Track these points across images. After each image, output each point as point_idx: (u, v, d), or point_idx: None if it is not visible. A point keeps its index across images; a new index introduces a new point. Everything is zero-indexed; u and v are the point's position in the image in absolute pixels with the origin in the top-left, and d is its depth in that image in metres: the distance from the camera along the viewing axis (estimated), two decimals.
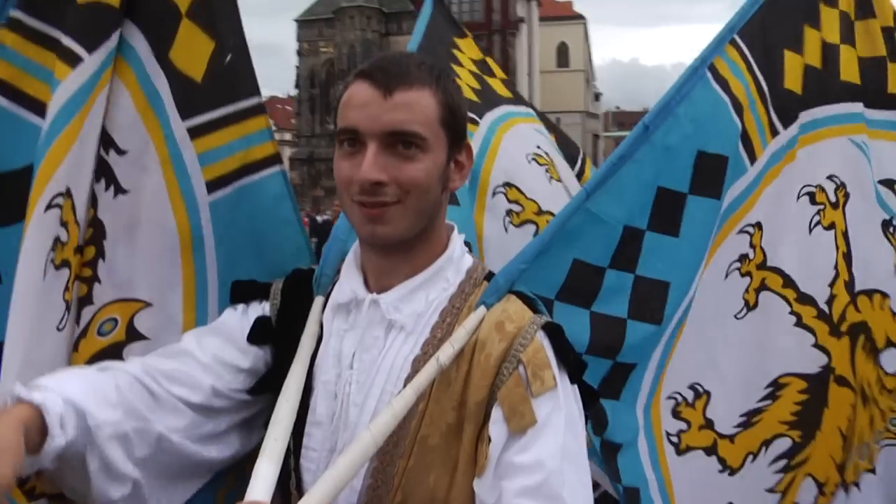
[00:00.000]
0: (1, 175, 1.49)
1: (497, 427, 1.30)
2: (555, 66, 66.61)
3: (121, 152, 1.62)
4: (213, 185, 1.69)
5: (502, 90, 2.90)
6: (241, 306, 1.58)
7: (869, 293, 2.11)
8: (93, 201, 1.59)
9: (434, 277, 1.43)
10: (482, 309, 1.40)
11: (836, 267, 2.06)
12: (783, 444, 2.01)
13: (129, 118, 1.62)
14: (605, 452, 1.82)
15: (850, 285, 2.09)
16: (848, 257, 2.09)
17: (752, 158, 1.98)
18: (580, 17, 69.54)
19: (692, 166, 1.84)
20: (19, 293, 1.37)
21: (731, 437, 1.97)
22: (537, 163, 2.64)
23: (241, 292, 1.60)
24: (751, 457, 1.98)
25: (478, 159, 2.37)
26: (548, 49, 63.95)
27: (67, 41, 1.48)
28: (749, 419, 1.98)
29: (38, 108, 1.49)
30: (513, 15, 56.25)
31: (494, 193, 2.46)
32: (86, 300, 1.58)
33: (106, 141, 1.60)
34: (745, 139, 1.95)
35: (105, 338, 1.60)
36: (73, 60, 1.48)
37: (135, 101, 1.62)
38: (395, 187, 1.32)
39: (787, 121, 2.04)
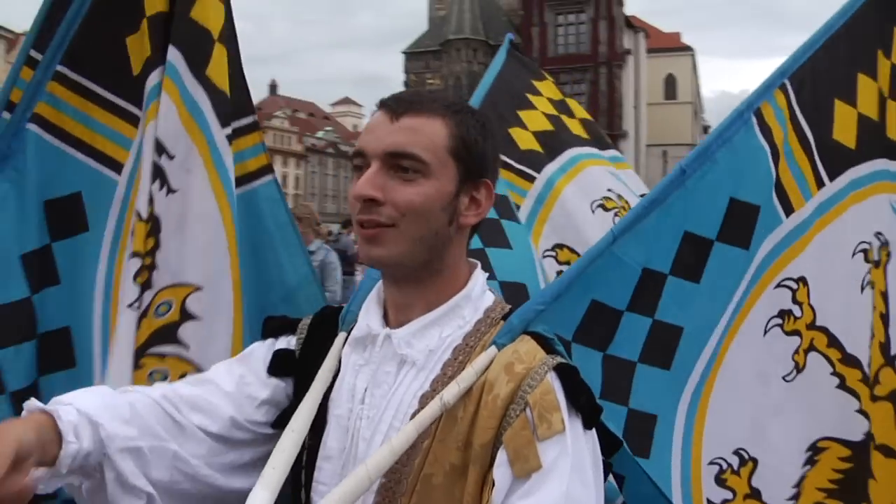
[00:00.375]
0: (56, 200, 1.78)
1: (501, 471, 1.27)
2: (662, 99, 65.77)
3: (171, 157, 1.82)
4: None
5: (579, 131, 2.89)
6: (269, 340, 1.59)
7: None
8: (150, 200, 1.80)
9: (449, 314, 1.41)
10: (493, 349, 1.37)
11: (871, 327, 1.95)
12: None
13: (175, 127, 1.83)
14: None
15: (886, 348, 1.96)
16: (885, 318, 1.98)
17: (789, 210, 1.88)
18: (688, 48, 68.60)
19: (723, 213, 1.78)
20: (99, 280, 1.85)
21: None
22: (604, 209, 2.60)
23: (271, 327, 1.61)
24: None
25: (529, 220, 2.40)
26: (655, 81, 63.25)
27: (123, 104, 1.85)
28: (799, 489, 1.88)
29: (78, 144, 1.80)
30: (619, 47, 55.88)
31: (544, 256, 2.46)
32: (146, 285, 1.78)
33: (159, 148, 1.81)
34: (780, 190, 1.87)
35: (161, 318, 1.80)
36: (133, 120, 1.86)
37: (179, 113, 1.83)
38: (391, 208, 1.33)
39: (835, 173, 1.95)
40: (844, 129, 1.97)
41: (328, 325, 1.56)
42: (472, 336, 1.41)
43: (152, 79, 1.84)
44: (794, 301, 1.89)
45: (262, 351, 1.57)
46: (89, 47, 1.80)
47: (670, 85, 66.91)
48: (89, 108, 1.82)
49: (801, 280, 1.89)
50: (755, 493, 1.84)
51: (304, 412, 1.43)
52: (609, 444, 1.42)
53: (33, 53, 1.81)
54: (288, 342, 1.57)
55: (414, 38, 63.07)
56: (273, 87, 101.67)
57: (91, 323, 1.85)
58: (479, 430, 1.30)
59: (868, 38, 2.02)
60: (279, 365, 1.53)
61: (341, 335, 1.52)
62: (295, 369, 1.53)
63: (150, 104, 1.82)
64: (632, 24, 57.88)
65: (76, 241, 1.81)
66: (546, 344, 1.39)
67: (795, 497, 1.87)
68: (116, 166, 1.87)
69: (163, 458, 1.40)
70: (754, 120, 1.83)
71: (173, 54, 1.84)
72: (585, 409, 1.33)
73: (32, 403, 1.30)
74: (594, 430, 1.36)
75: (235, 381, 1.52)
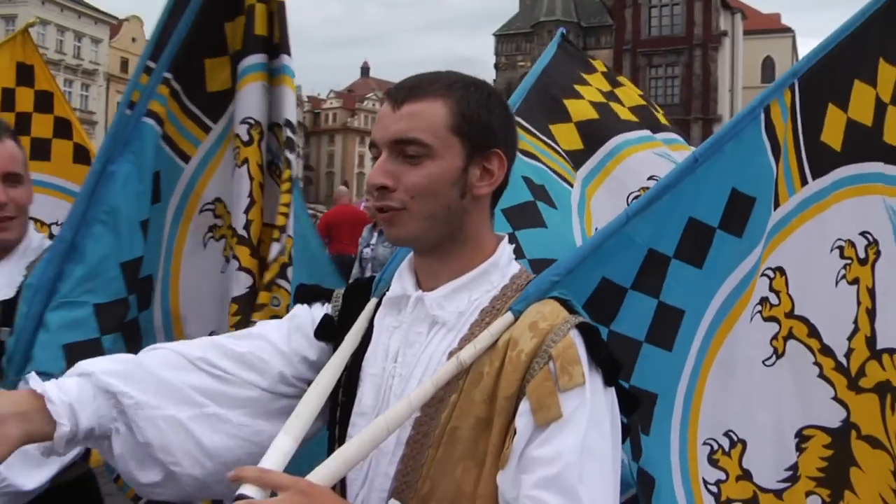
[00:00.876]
0: (155, 174, 2.24)
1: (523, 419, 1.33)
2: (759, 82, 63.61)
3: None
4: None
5: (628, 116, 2.94)
6: (307, 305, 1.68)
7: (892, 352, 2.07)
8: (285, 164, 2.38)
9: (478, 279, 1.49)
10: (509, 315, 1.43)
11: (855, 321, 2.06)
12: (815, 502, 1.98)
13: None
14: (641, 486, 1.82)
15: (872, 341, 2.07)
16: (872, 314, 2.07)
17: (776, 204, 1.99)
18: (788, 29, 66.16)
19: (725, 203, 1.88)
20: (187, 255, 2.39)
21: (776, 493, 1.95)
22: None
23: (306, 294, 1.71)
24: None
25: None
26: (752, 64, 61.23)
27: (197, 111, 2.35)
28: (794, 473, 1.97)
29: (164, 136, 2.27)
30: (715, 28, 54.42)
31: None
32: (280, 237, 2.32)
33: (290, 126, 2.42)
34: (774, 185, 1.98)
35: (276, 261, 2.29)
36: (203, 127, 2.38)
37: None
38: (402, 192, 1.42)
39: (819, 173, 2.06)
40: (832, 133, 2.08)
41: (362, 293, 1.65)
42: (498, 300, 1.47)
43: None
44: (771, 289, 2.01)
45: (305, 312, 1.67)
46: (183, 64, 2.27)
47: (768, 68, 64.72)
48: (176, 110, 2.29)
49: (779, 270, 2.02)
50: (747, 475, 1.93)
51: (331, 369, 1.52)
52: (627, 405, 1.47)
53: (150, 63, 2.26)
54: (326, 309, 1.66)
55: (505, 20, 62.87)
56: (365, 70, 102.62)
57: (157, 270, 2.34)
58: (504, 384, 1.36)
59: (872, 46, 2.12)
60: (325, 329, 1.62)
61: (373, 301, 1.60)
62: (334, 336, 1.62)
63: (227, 134, 2.43)
64: (728, 5, 56.11)
65: (154, 209, 2.26)
66: (568, 305, 1.46)
67: (790, 481, 1.96)
68: (185, 157, 2.35)
69: (206, 423, 1.50)
70: (762, 116, 1.93)
71: (284, 59, 2.39)
72: (605, 365, 1.39)
73: (30, 380, 1.41)
74: (613, 389, 1.41)
75: (285, 338, 1.62)
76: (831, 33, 2.10)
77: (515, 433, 1.33)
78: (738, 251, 1.93)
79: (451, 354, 1.42)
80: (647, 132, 2.95)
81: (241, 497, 1.22)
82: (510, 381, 1.36)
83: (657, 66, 56.47)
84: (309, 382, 1.54)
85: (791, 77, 2.02)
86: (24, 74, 3.23)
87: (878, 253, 2.10)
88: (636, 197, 2.66)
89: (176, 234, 2.37)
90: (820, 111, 2.06)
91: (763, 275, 2.00)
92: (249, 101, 2.34)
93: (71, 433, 1.38)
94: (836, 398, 2.01)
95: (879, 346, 2.07)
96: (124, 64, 59.49)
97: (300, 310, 1.68)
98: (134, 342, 2.12)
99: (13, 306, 2.04)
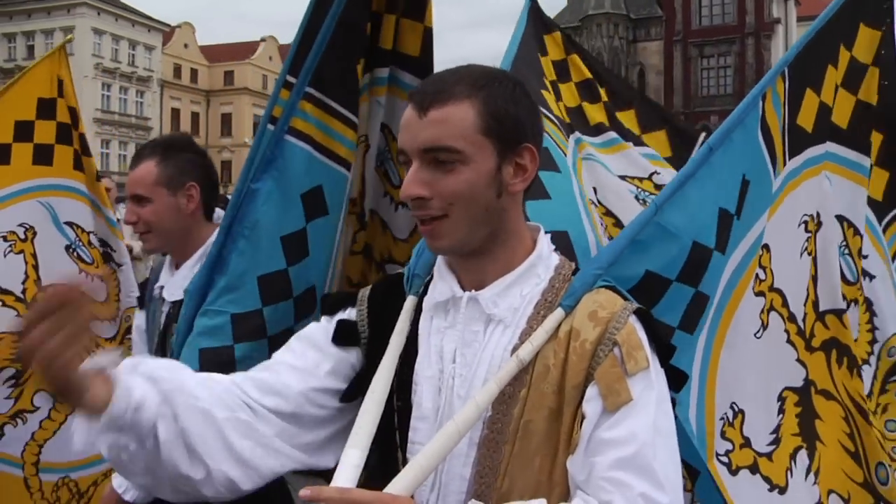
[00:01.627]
0: (307, 192, 2.24)
1: (592, 404, 1.35)
2: None
3: None
4: None
5: (561, 114, 2.80)
6: (325, 318, 1.65)
7: (836, 312, 2.30)
8: None
9: (526, 274, 1.48)
10: (560, 311, 1.44)
11: (807, 288, 2.25)
12: (803, 456, 2.13)
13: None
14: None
15: (816, 305, 2.27)
16: (815, 279, 2.27)
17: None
18: None
19: (738, 189, 1.94)
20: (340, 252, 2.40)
21: (768, 456, 2.05)
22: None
23: (330, 303, 1.67)
24: (789, 472, 2.08)
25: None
26: None
27: (348, 114, 2.30)
28: (777, 435, 2.10)
29: (320, 148, 2.26)
30: (768, 16, 53.64)
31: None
32: None
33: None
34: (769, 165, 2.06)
35: None
36: (353, 126, 2.33)
37: None
38: (439, 200, 1.39)
39: (794, 153, 2.18)
40: (807, 116, 2.20)
41: (393, 291, 1.62)
42: (548, 292, 1.48)
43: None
44: (760, 265, 2.10)
45: (319, 328, 1.63)
46: (327, 73, 2.24)
47: None
48: (328, 120, 2.25)
49: (765, 247, 2.10)
50: (747, 442, 2.02)
51: (383, 374, 1.49)
52: (673, 379, 1.50)
53: (289, 78, 2.26)
54: (349, 314, 1.62)
55: (553, 15, 62.61)
56: None
57: (324, 281, 2.35)
58: (571, 374, 1.38)
59: (839, 33, 2.29)
60: (344, 335, 1.58)
61: (411, 299, 1.56)
62: (360, 338, 1.59)
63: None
64: None
65: (318, 223, 2.25)
66: (620, 293, 1.50)
67: (775, 443, 2.08)
68: (346, 164, 2.31)
69: (238, 427, 1.47)
70: (761, 103, 2.01)
71: (398, 72, 2.41)
72: (662, 347, 1.46)
73: (102, 358, 1.37)
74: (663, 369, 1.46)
75: (300, 357, 1.58)
76: (814, 23, 2.24)
77: (584, 418, 1.35)
78: (738, 233, 1.99)
79: (513, 350, 1.42)
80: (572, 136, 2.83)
81: None
82: (577, 370, 1.38)
83: (709, 57, 55.82)
84: (331, 398, 1.54)
85: (783, 64, 2.12)
86: (60, 88, 3.40)
87: (819, 224, 2.28)
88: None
89: (339, 240, 2.40)
90: (800, 95, 2.18)
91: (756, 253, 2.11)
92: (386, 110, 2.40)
93: (124, 405, 1.34)
94: (798, 359, 2.19)
95: (821, 308, 2.27)
96: (177, 70, 60.65)
97: (313, 326, 1.65)
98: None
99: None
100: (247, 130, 57.66)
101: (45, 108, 3.35)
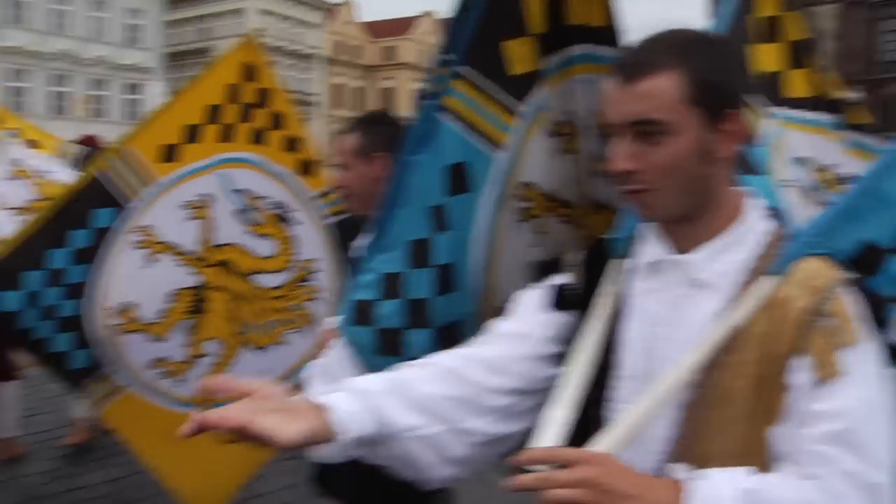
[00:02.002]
0: (452, 167, 2.29)
1: (800, 375, 1.32)
2: None
3: None
4: None
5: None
6: (537, 288, 1.70)
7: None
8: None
9: (735, 240, 1.46)
10: (769, 279, 1.41)
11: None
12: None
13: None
14: None
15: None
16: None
17: None
18: None
19: None
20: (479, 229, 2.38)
21: None
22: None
23: (540, 272, 1.75)
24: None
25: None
26: None
27: (503, 97, 2.31)
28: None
29: (469, 127, 2.29)
30: None
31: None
32: None
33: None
34: None
35: None
36: (510, 111, 2.32)
37: None
38: (648, 174, 1.40)
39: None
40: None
41: (601, 255, 1.64)
42: (758, 259, 1.45)
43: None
44: None
45: (534, 296, 1.69)
46: (480, 51, 2.28)
47: None
48: (478, 97, 2.30)
49: None
50: None
51: (592, 333, 1.52)
52: (892, 354, 1.44)
53: (444, 56, 2.31)
54: (562, 280, 1.66)
55: None
56: None
57: (466, 261, 2.37)
58: (779, 343, 1.35)
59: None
60: (568, 299, 1.62)
61: (618, 261, 1.59)
62: (577, 302, 1.61)
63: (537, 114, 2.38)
64: None
65: (460, 199, 2.32)
66: (833, 263, 1.45)
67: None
68: (496, 144, 2.34)
69: (457, 438, 1.55)
70: None
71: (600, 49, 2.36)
72: (877, 320, 1.40)
73: (312, 393, 1.48)
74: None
75: (523, 325, 1.65)
76: None
77: (792, 389, 1.32)
78: None
79: (718, 316, 1.41)
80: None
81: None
82: (785, 339, 1.35)
83: (890, 19, 51.88)
84: (554, 364, 1.57)
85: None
86: (249, 73, 3.91)
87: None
88: None
89: (498, 224, 2.41)
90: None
91: None
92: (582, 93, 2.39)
93: (344, 440, 1.41)
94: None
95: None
96: (339, 47, 62.43)
97: (528, 294, 1.70)
98: (420, 319, 2.28)
99: None
100: (407, 105, 58.79)
101: (232, 93, 3.90)
